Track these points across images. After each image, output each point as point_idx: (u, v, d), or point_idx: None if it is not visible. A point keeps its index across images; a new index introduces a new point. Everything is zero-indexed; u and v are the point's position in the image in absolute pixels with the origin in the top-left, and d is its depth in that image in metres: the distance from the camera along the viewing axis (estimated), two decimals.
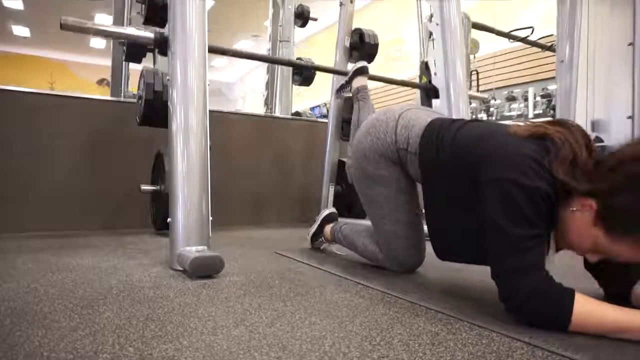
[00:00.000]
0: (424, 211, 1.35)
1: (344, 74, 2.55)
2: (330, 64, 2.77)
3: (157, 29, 1.73)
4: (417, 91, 2.89)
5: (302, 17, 4.07)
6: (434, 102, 2.70)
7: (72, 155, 2.45)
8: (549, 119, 1.39)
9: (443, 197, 1.25)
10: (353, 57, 2.74)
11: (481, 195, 1.06)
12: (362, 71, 2.40)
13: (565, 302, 0.92)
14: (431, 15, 2.64)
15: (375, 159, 1.46)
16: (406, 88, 8.00)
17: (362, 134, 1.53)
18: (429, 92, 2.67)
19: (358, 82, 2.37)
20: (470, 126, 1.24)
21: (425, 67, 2.70)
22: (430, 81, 2.64)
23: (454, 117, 2.42)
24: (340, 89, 2.56)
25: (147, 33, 1.72)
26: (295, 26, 4.14)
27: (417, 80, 2.89)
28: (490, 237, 1.03)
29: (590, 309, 0.91)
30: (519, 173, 0.98)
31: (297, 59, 3.93)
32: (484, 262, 1.19)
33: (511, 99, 6.48)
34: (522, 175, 0.97)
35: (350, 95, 2.44)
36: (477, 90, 4.05)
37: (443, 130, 1.27)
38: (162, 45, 1.68)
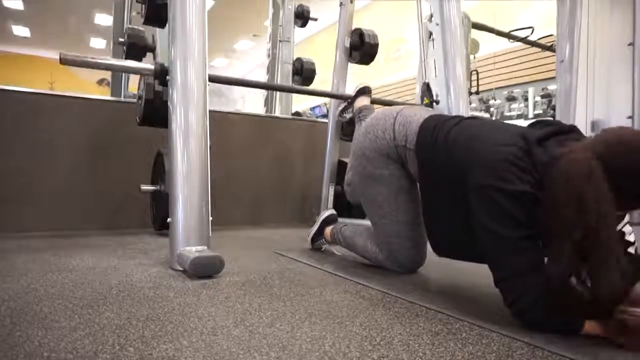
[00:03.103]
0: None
1: (341, 98, 2.51)
2: (330, 64, 2.77)
3: (158, 62, 1.74)
4: (417, 91, 2.89)
5: (302, 17, 4.07)
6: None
7: (72, 155, 2.45)
8: (549, 119, 1.39)
9: (438, 195, 1.26)
10: (353, 57, 2.74)
11: (469, 201, 1.06)
12: (364, 91, 2.36)
13: (576, 303, 0.91)
14: (431, 15, 2.64)
15: (375, 158, 1.46)
16: (405, 87, 8.01)
17: (361, 134, 1.54)
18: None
19: (360, 102, 2.33)
20: (462, 126, 1.24)
21: (426, 88, 2.67)
22: (432, 102, 2.62)
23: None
24: (342, 111, 2.50)
25: (148, 65, 1.72)
26: (295, 26, 4.14)
27: (416, 88, 2.87)
28: (485, 243, 1.02)
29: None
30: (499, 179, 0.98)
31: (297, 58, 3.94)
32: (480, 260, 1.19)
33: (511, 99, 6.48)
34: (503, 181, 0.97)
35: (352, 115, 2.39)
36: (477, 92, 4.05)
37: (438, 129, 1.27)
38: (162, 76, 1.67)
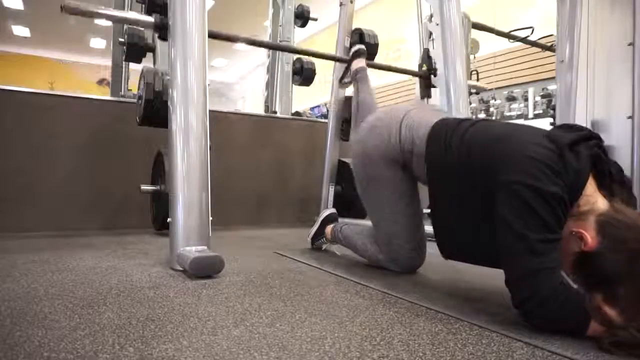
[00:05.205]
0: (426, 212, 1.34)
1: (344, 61, 2.60)
2: (330, 64, 2.77)
3: (158, 15, 1.72)
4: (417, 89, 2.89)
5: (302, 17, 4.07)
6: (433, 92, 2.69)
7: (72, 155, 2.45)
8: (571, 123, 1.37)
9: (451, 198, 1.23)
10: None
11: (495, 198, 1.03)
12: (359, 53, 2.48)
13: (584, 307, 0.91)
14: (431, 15, 2.64)
15: (378, 160, 1.45)
16: (405, 88, 8.01)
17: (364, 133, 1.53)
18: (428, 81, 2.65)
19: (357, 63, 2.44)
20: (481, 126, 1.21)
21: (426, 55, 2.68)
22: (430, 69, 2.62)
23: (454, 116, 2.42)
24: (342, 76, 2.62)
25: (148, 17, 1.72)
26: (295, 26, 4.14)
27: (416, 88, 2.87)
28: (504, 240, 1.00)
29: None
30: (533, 178, 0.96)
31: (297, 58, 3.94)
32: (491, 263, 1.18)
33: (511, 99, 6.48)
34: (537, 180, 0.95)
35: (351, 83, 2.49)
36: (477, 92, 4.05)
37: (451, 131, 1.25)
38: (162, 30, 1.67)
